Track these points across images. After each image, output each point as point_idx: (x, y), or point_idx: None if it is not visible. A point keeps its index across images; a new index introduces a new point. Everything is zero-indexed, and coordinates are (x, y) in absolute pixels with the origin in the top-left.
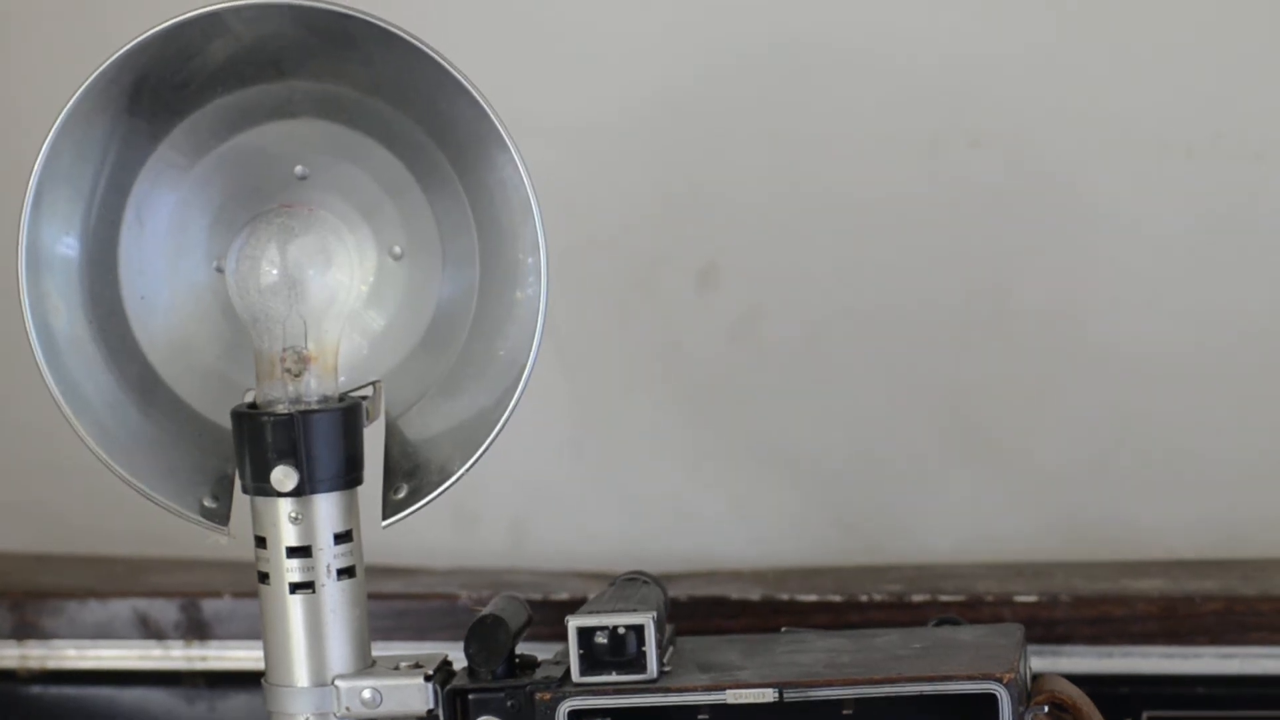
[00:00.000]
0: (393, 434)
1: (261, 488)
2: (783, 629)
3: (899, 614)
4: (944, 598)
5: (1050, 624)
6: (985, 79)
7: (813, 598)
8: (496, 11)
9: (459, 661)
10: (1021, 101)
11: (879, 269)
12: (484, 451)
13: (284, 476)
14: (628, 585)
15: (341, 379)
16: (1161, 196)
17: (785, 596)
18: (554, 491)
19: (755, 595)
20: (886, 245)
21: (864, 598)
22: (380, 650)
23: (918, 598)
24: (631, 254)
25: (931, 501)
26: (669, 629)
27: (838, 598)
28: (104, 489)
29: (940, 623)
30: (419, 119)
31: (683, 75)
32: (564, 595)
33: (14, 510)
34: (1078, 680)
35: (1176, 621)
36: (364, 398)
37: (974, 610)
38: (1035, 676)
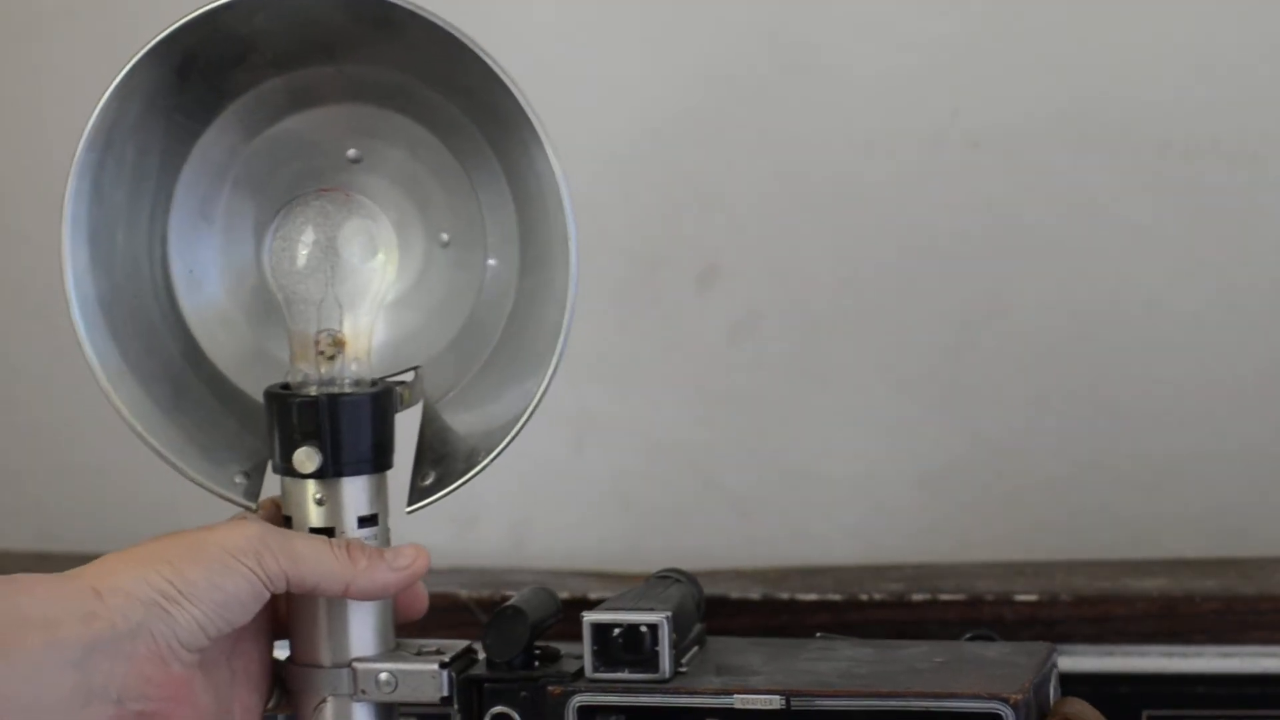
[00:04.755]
0: (427, 420)
1: (289, 468)
2: (817, 634)
3: (899, 613)
4: (944, 597)
5: (1050, 623)
6: (985, 79)
7: (813, 597)
8: (495, 13)
9: None
10: (1021, 101)
11: (878, 269)
12: (508, 443)
13: (306, 458)
14: (657, 583)
15: (376, 361)
16: (1160, 197)
17: (785, 596)
18: (554, 491)
19: (755, 594)
20: (886, 245)
21: (864, 597)
22: None
23: (918, 597)
24: (631, 254)
25: (931, 500)
26: (697, 628)
27: (838, 597)
28: (104, 489)
29: (974, 637)
30: (464, 108)
31: (682, 75)
32: (564, 595)
33: (14, 510)
34: (1078, 679)
35: (1177, 620)
36: (401, 382)
37: (974, 610)
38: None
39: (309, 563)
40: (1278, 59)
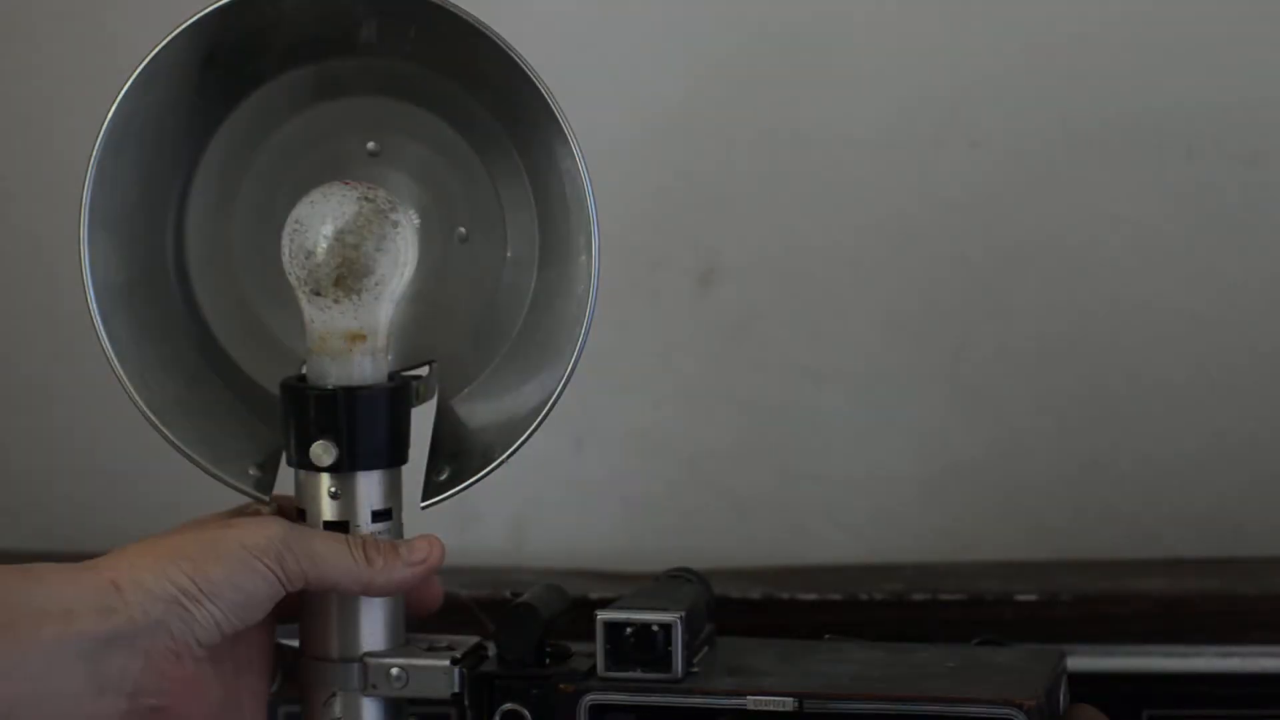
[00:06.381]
0: (443, 416)
1: (304, 461)
2: (825, 636)
3: (899, 613)
4: (944, 597)
5: (1050, 623)
6: (985, 79)
7: (813, 597)
8: (496, 12)
9: None
10: (1021, 101)
11: (878, 269)
12: (527, 438)
13: (323, 451)
14: (669, 582)
15: (392, 355)
16: (1161, 197)
17: (785, 595)
18: (554, 491)
19: (755, 594)
20: (886, 245)
21: (864, 597)
22: None
23: (918, 597)
24: (631, 254)
25: (931, 500)
26: (708, 628)
27: (838, 597)
28: (105, 489)
29: (982, 642)
30: (486, 102)
31: (683, 75)
32: None
33: (14, 510)
34: (1078, 679)
35: (1177, 620)
36: (417, 377)
37: (974, 610)
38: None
39: (328, 564)
40: (1276, 59)
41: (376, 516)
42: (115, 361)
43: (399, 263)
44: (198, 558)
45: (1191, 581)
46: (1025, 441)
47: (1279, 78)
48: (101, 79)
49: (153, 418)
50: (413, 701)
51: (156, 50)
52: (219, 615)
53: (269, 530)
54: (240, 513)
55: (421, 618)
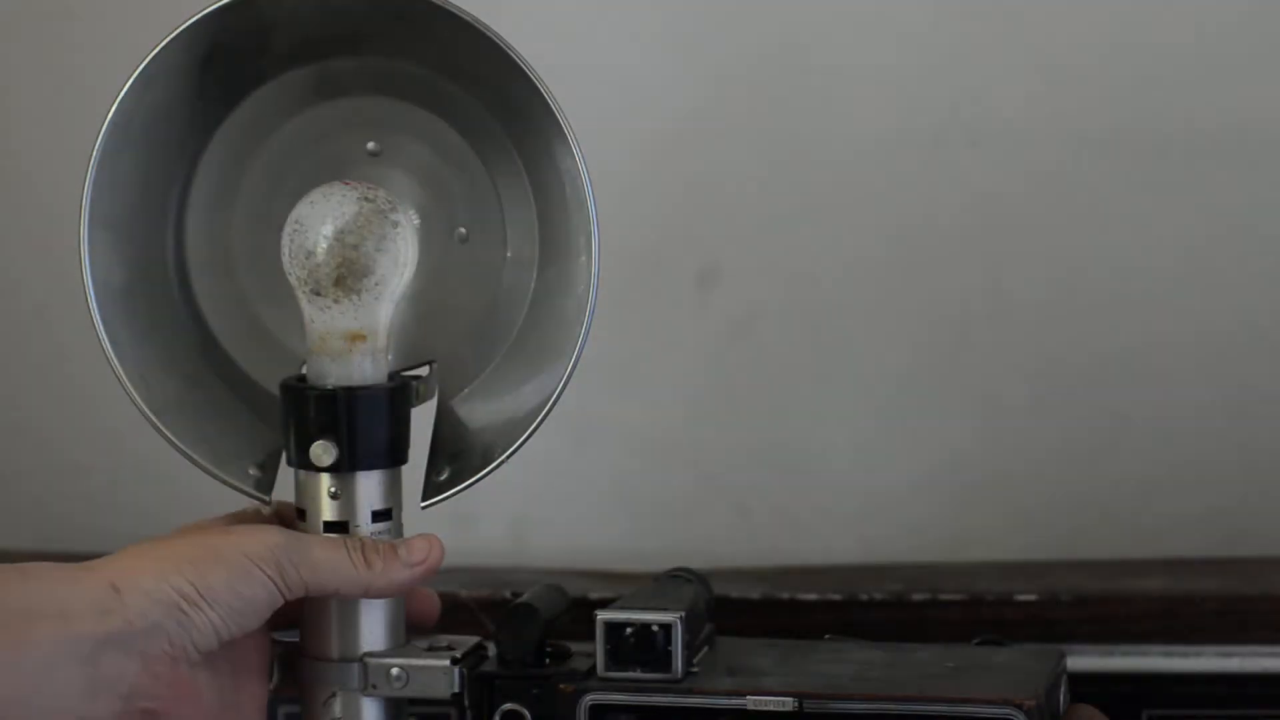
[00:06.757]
0: (444, 416)
1: (304, 461)
2: (826, 635)
3: (899, 613)
4: (944, 597)
5: (1050, 623)
6: (985, 79)
7: (813, 596)
8: (496, 13)
9: None
10: (1021, 101)
11: (878, 268)
12: (527, 438)
13: (323, 452)
14: (669, 582)
15: (393, 355)
16: (1160, 196)
17: (785, 595)
18: (554, 491)
19: (755, 594)
20: (886, 245)
21: (864, 597)
22: None
23: (918, 597)
24: (631, 254)
25: (931, 500)
26: (707, 628)
27: (838, 596)
28: (104, 489)
29: (982, 642)
30: (486, 103)
31: (682, 75)
32: None
33: (14, 510)
34: (1078, 679)
35: (1177, 620)
36: (416, 377)
37: (974, 610)
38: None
39: (327, 571)
40: (1277, 59)
41: (376, 516)
42: (115, 361)
43: (399, 263)
44: (198, 563)
45: (1191, 581)
46: (1025, 441)
47: (1279, 80)
48: (101, 79)
49: (153, 418)
50: (413, 701)
51: (156, 50)
52: (217, 621)
53: (270, 539)
54: (240, 519)
55: (419, 629)
